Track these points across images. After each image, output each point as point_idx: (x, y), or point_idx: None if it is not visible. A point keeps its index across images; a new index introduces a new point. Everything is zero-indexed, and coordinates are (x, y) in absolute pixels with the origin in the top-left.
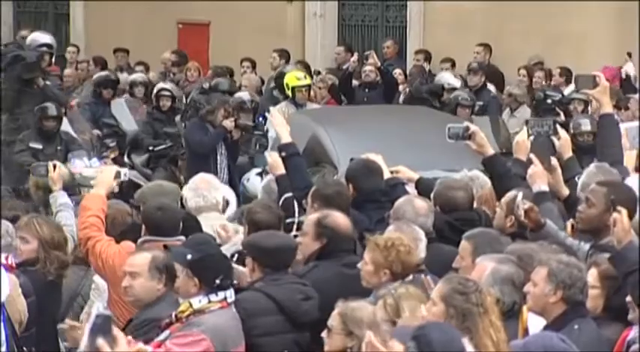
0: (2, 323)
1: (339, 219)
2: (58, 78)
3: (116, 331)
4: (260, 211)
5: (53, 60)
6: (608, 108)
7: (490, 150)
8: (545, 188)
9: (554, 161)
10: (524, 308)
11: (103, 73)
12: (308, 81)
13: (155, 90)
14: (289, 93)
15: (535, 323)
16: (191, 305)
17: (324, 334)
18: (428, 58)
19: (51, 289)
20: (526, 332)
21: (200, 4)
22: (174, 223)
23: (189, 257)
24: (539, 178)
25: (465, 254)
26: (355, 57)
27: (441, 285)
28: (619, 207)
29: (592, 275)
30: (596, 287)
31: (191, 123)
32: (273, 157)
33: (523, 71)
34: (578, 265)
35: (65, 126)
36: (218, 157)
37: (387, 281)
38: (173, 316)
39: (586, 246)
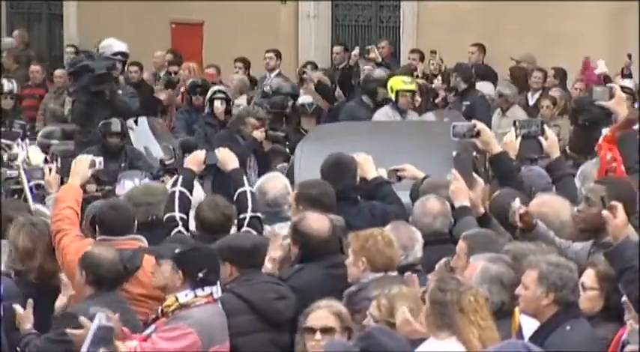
0: None
1: (313, 223)
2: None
3: (117, 342)
4: (205, 209)
5: (127, 68)
6: (625, 113)
7: (497, 148)
8: (467, 203)
9: (476, 178)
10: (517, 310)
11: (191, 80)
12: (414, 86)
13: (209, 94)
14: (392, 96)
15: (529, 325)
16: (177, 299)
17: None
18: (422, 58)
19: (34, 296)
20: (520, 333)
21: (194, 4)
22: (126, 223)
23: (176, 250)
24: (460, 194)
25: (462, 253)
26: (356, 51)
27: (430, 285)
28: (613, 203)
29: (589, 276)
30: (594, 289)
31: (220, 134)
32: (223, 152)
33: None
34: (568, 265)
35: (143, 135)
36: (247, 170)
37: (365, 272)
38: (159, 310)
39: (577, 246)
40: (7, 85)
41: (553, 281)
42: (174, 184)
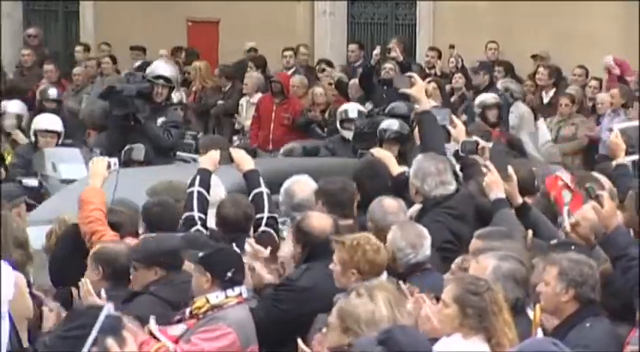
0: (4, 321)
1: (315, 222)
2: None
3: (125, 332)
4: (228, 206)
5: (173, 95)
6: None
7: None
8: (502, 195)
9: (510, 170)
10: (537, 306)
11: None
12: None
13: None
14: None
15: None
16: (208, 300)
17: (323, 330)
18: (440, 55)
19: None
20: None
21: (210, 2)
22: (172, 219)
23: (199, 254)
24: (496, 186)
25: (476, 252)
26: (377, 50)
27: (452, 286)
28: (599, 192)
29: None
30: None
31: None
32: (238, 153)
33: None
34: (588, 262)
35: None
36: None
37: (356, 281)
38: (187, 312)
39: None
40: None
41: (573, 277)
42: (192, 184)
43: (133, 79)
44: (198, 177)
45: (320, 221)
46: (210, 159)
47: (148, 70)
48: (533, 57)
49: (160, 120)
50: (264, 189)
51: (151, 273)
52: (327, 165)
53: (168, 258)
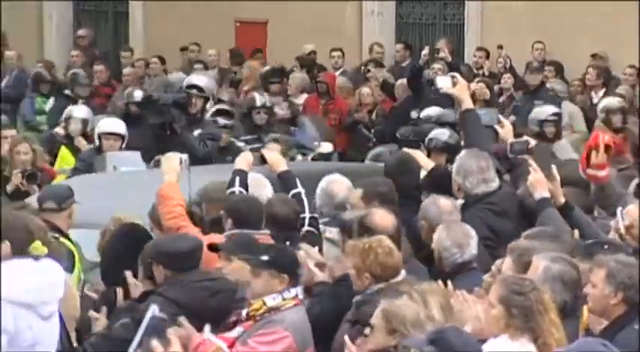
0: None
1: (378, 219)
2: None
3: (170, 333)
4: (277, 205)
5: (208, 106)
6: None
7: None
8: (547, 194)
9: (554, 169)
10: (585, 308)
11: None
12: None
13: None
14: None
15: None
16: (265, 302)
17: (366, 331)
18: (488, 55)
19: None
20: (589, 332)
21: (258, 3)
22: (258, 215)
23: (264, 258)
24: (540, 185)
25: (514, 251)
26: (426, 50)
27: (497, 287)
28: None
29: None
30: None
31: None
32: (271, 155)
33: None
34: (637, 265)
35: None
36: None
37: (370, 285)
38: (244, 314)
39: None
40: (260, 99)
41: (622, 280)
42: (232, 185)
43: (171, 89)
44: (237, 178)
45: (383, 218)
46: (244, 160)
47: (186, 81)
48: (593, 56)
49: (197, 132)
50: (301, 189)
51: (160, 273)
52: (350, 169)
53: (173, 258)
